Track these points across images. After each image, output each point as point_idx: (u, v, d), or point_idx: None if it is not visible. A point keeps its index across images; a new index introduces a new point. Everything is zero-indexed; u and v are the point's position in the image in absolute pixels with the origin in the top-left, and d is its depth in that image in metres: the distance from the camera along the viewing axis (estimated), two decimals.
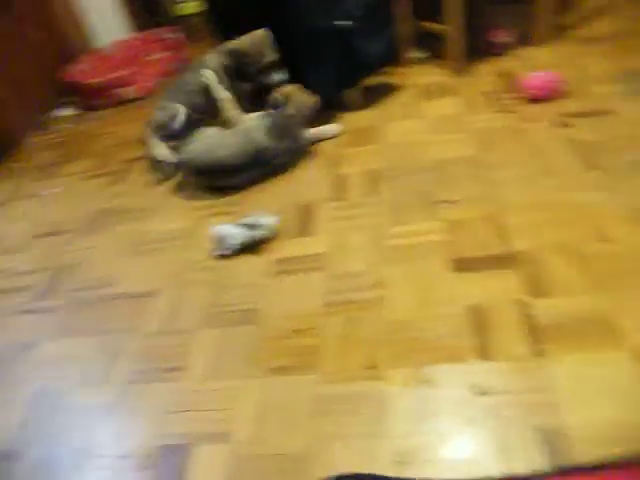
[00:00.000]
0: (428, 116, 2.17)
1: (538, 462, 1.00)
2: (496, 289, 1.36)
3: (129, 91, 3.15)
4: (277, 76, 2.15)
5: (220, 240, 1.70)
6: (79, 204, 2.25)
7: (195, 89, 2.18)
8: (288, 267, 1.60)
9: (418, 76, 2.51)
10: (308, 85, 2.20)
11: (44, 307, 1.73)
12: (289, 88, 2.07)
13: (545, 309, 1.28)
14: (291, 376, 1.28)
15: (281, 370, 1.30)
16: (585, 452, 1.00)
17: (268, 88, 2.12)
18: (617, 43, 2.34)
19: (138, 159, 2.47)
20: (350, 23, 2.08)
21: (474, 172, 1.78)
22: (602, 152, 1.72)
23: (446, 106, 2.21)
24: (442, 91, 2.33)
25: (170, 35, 3.60)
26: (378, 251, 1.57)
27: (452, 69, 2.40)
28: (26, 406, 1.41)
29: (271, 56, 2.13)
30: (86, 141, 2.82)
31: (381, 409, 1.16)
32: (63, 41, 3.48)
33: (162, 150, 2.23)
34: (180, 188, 2.13)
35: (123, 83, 3.14)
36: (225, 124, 2.17)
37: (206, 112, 2.20)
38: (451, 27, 2.26)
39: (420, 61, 2.61)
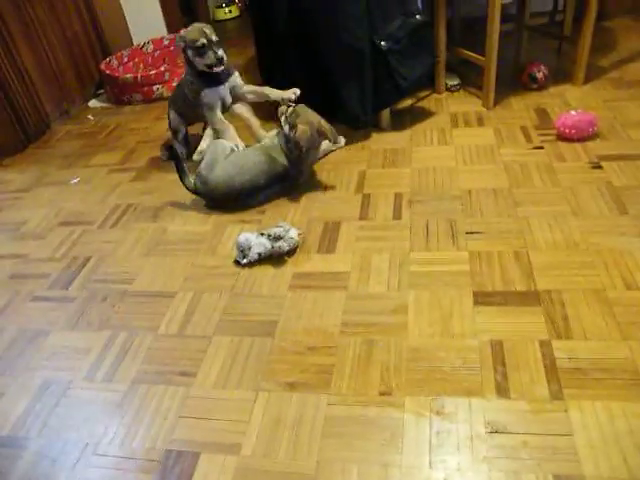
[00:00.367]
0: (458, 144, 2.17)
1: None
2: (518, 326, 1.34)
3: (161, 89, 3.17)
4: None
5: (239, 248, 1.70)
6: (102, 197, 2.26)
7: None
8: (309, 282, 1.59)
9: (451, 103, 2.51)
10: (341, 103, 2.22)
11: (59, 296, 1.73)
12: (297, 109, 1.97)
13: (567, 352, 1.26)
14: (304, 393, 1.26)
15: (294, 386, 1.28)
16: None
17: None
18: None
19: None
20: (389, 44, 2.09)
21: (502, 205, 1.77)
22: (633, 197, 1.72)
23: (477, 136, 2.21)
24: (474, 120, 2.33)
25: None
26: (400, 275, 1.56)
27: (486, 99, 2.40)
28: (32, 395, 1.40)
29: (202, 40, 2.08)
30: (114, 135, 2.84)
31: (393, 437, 1.14)
32: (101, 34, 3.52)
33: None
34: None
35: (156, 81, 3.16)
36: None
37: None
38: (489, 58, 2.26)
39: (453, 88, 2.61)
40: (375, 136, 2.33)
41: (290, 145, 1.94)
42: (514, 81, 2.58)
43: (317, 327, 1.43)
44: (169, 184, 2.25)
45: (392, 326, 1.40)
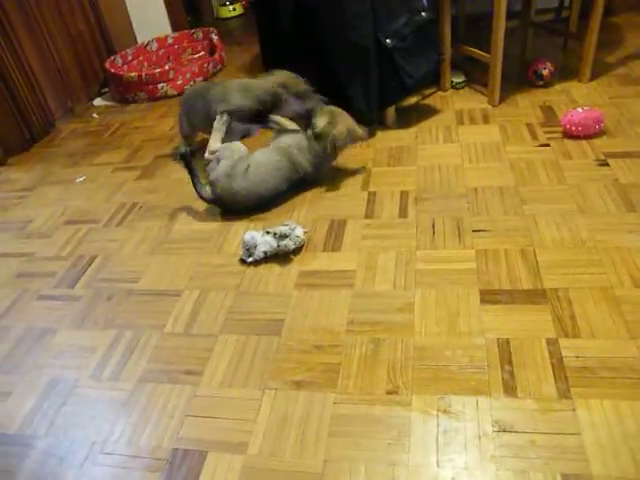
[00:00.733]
0: (464, 142, 2.16)
1: None
2: (525, 324, 1.34)
3: (165, 88, 3.17)
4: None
5: (245, 247, 1.70)
6: (107, 195, 2.26)
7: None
8: (315, 281, 1.59)
9: (456, 101, 2.50)
10: (346, 100, 2.21)
11: (66, 295, 1.73)
12: (333, 110, 2.00)
13: (574, 350, 1.25)
14: (310, 392, 1.26)
15: (301, 385, 1.28)
16: None
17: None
18: None
19: (168, 156, 2.48)
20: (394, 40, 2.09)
21: (508, 203, 1.76)
22: None
23: (483, 133, 2.20)
24: (480, 118, 2.32)
25: (209, 36, 3.63)
26: (407, 274, 1.55)
27: (491, 97, 2.39)
28: (39, 394, 1.40)
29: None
30: (119, 133, 2.84)
31: (400, 436, 1.14)
32: (105, 33, 3.52)
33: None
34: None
35: (160, 79, 3.16)
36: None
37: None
38: (494, 55, 2.25)
39: (459, 85, 2.61)
40: (380, 134, 2.32)
41: (321, 144, 1.95)
42: (520, 78, 2.57)
43: (323, 325, 1.43)
44: (174, 182, 2.25)
45: (398, 325, 1.39)
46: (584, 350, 1.25)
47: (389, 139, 2.27)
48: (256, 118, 2.11)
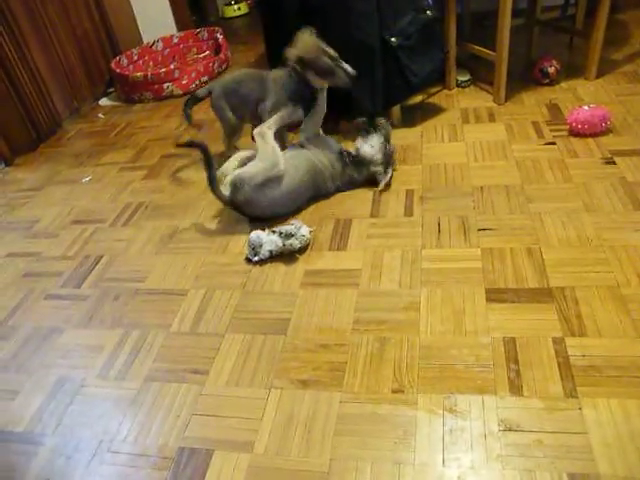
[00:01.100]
0: (469, 140, 2.16)
1: None
2: (531, 323, 1.33)
3: (171, 87, 3.18)
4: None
5: (251, 246, 1.70)
6: (113, 195, 2.27)
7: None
8: (320, 280, 1.59)
9: (462, 99, 2.50)
10: (352, 99, 2.21)
11: (73, 294, 1.74)
12: (387, 129, 1.99)
13: (580, 349, 1.25)
14: (316, 391, 1.26)
15: (307, 384, 1.29)
16: None
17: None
18: None
19: (174, 156, 2.49)
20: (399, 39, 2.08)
21: (514, 202, 1.76)
22: None
23: (488, 132, 2.19)
24: (485, 116, 2.31)
25: (214, 35, 3.64)
26: (412, 273, 1.55)
27: (497, 95, 2.38)
28: (47, 393, 1.41)
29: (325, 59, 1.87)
30: (125, 133, 2.85)
31: (406, 435, 1.14)
32: (111, 33, 3.53)
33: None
34: None
35: (166, 79, 3.17)
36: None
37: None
38: (500, 53, 2.24)
39: (464, 84, 2.60)
40: None
41: (360, 170, 1.95)
42: (525, 76, 2.56)
43: (329, 325, 1.43)
44: (180, 182, 2.26)
45: (404, 323, 1.39)
46: (590, 349, 1.25)
47: (394, 138, 2.25)
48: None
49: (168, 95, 3.20)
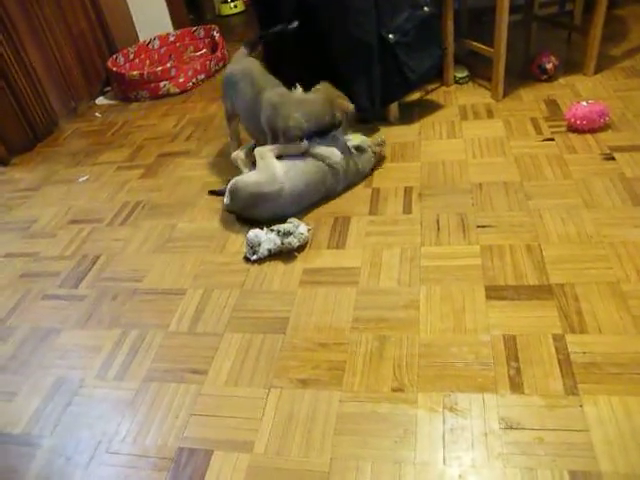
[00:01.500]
0: (468, 137, 2.15)
1: None
2: (531, 321, 1.33)
3: (168, 86, 3.17)
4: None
5: (249, 244, 1.69)
6: (111, 194, 2.26)
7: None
8: (319, 278, 1.58)
9: (460, 96, 2.49)
10: (349, 96, 2.20)
11: (70, 295, 1.73)
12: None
13: (581, 346, 1.24)
14: (316, 390, 1.26)
15: (306, 383, 1.28)
16: None
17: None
18: None
19: (171, 154, 2.48)
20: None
21: (513, 198, 1.75)
22: None
23: (487, 128, 2.18)
24: (483, 113, 2.31)
25: (211, 33, 3.63)
26: (411, 270, 1.54)
27: (495, 91, 2.38)
28: (45, 394, 1.40)
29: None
30: (122, 132, 2.84)
31: (406, 433, 1.13)
32: (107, 31, 3.51)
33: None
34: (212, 186, 2.12)
35: (162, 77, 3.15)
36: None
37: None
38: (498, 49, 2.24)
39: (462, 80, 2.59)
40: (383, 130, 2.31)
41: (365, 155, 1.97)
42: (523, 72, 2.55)
43: (328, 323, 1.43)
44: (177, 181, 2.25)
45: (403, 322, 1.39)
46: (591, 346, 1.24)
47: (392, 135, 2.26)
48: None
49: (165, 94, 3.18)
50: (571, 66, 2.53)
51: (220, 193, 1.97)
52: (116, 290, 1.71)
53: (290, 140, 1.82)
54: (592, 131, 2.02)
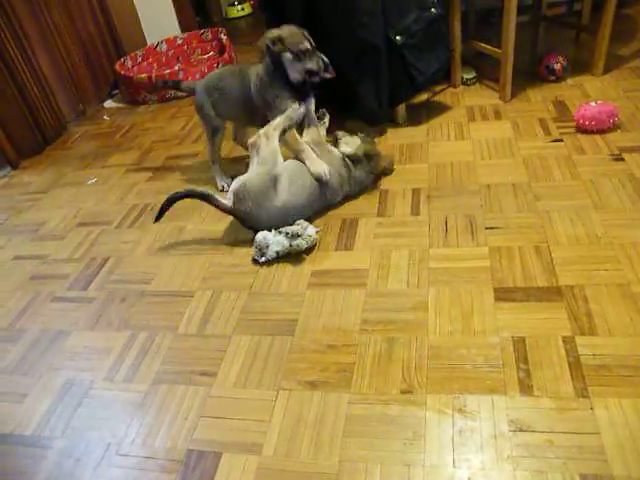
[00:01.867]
0: (476, 138, 2.14)
1: None
2: (540, 322, 1.32)
3: None
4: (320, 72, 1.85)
5: (257, 247, 1.69)
6: (119, 197, 2.27)
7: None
8: (328, 280, 1.58)
9: (467, 97, 2.48)
10: (357, 99, 2.20)
11: (80, 297, 1.74)
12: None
13: (591, 348, 1.24)
14: (324, 392, 1.26)
15: (315, 385, 1.28)
16: None
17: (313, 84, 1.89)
18: None
19: (179, 157, 2.49)
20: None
21: (521, 200, 1.75)
22: None
23: (495, 130, 2.18)
24: (491, 114, 2.30)
25: (218, 36, 3.64)
26: (420, 272, 1.54)
27: (503, 92, 2.37)
28: (55, 395, 1.41)
29: (306, 44, 1.81)
30: (130, 135, 2.85)
31: (415, 436, 1.13)
32: (115, 35, 3.54)
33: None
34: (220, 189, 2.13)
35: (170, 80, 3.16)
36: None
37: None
38: (505, 50, 2.23)
39: (469, 81, 2.58)
40: (391, 131, 2.31)
41: (365, 165, 1.93)
42: (531, 73, 2.55)
43: (337, 325, 1.43)
44: (186, 183, 2.26)
45: (412, 323, 1.38)
46: (601, 348, 1.23)
47: (400, 136, 2.26)
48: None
49: (172, 96, 3.19)
50: (579, 66, 2.52)
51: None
52: (125, 292, 1.72)
53: (284, 105, 1.83)
54: (601, 132, 2.01)
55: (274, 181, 1.75)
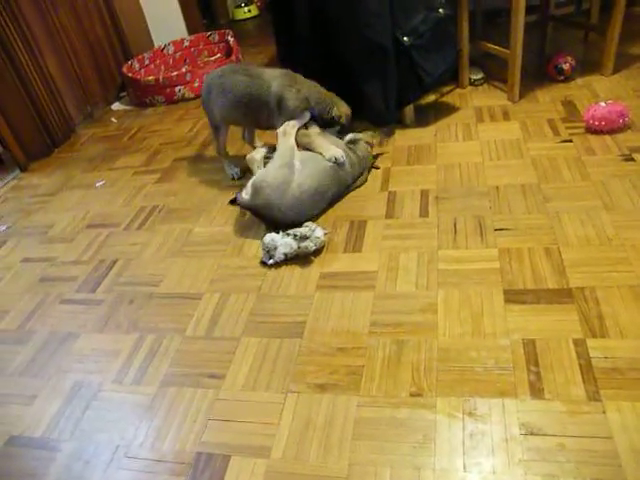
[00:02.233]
0: (484, 139, 2.13)
1: None
2: (551, 325, 1.31)
3: (183, 90, 3.19)
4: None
5: (265, 249, 1.69)
6: (127, 199, 2.27)
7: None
8: (336, 282, 1.57)
9: (475, 98, 2.47)
10: (365, 100, 2.20)
11: (88, 299, 1.74)
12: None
13: (602, 351, 1.22)
14: (334, 395, 1.25)
15: (324, 388, 1.27)
16: None
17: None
18: None
19: (187, 159, 2.49)
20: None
21: (531, 201, 1.73)
22: None
23: (503, 130, 2.16)
24: (499, 115, 2.29)
25: (225, 38, 3.64)
26: (429, 274, 1.53)
27: (511, 93, 2.36)
28: (64, 398, 1.41)
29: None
30: (138, 137, 2.86)
31: (425, 439, 1.12)
32: (122, 37, 3.55)
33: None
34: (228, 190, 2.13)
35: (177, 82, 3.17)
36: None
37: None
38: (514, 50, 2.22)
39: (477, 82, 2.57)
40: (399, 132, 2.30)
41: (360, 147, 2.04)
42: (540, 73, 2.53)
43: (346, 327, 1.42)
44: (194, 185, 2.26)
45: (421, 326, 1.38)
46: (613, 351, 1.22)
47: (408, 138, 2.25)
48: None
49: (180, 98, 3.20)
50: (588, 66, 2.50)
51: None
52: (133, 294, 1.72)
53: (296, 109, 1.93)
54: (611, 132, 2.00)
55: (291, 168, 1.80)
